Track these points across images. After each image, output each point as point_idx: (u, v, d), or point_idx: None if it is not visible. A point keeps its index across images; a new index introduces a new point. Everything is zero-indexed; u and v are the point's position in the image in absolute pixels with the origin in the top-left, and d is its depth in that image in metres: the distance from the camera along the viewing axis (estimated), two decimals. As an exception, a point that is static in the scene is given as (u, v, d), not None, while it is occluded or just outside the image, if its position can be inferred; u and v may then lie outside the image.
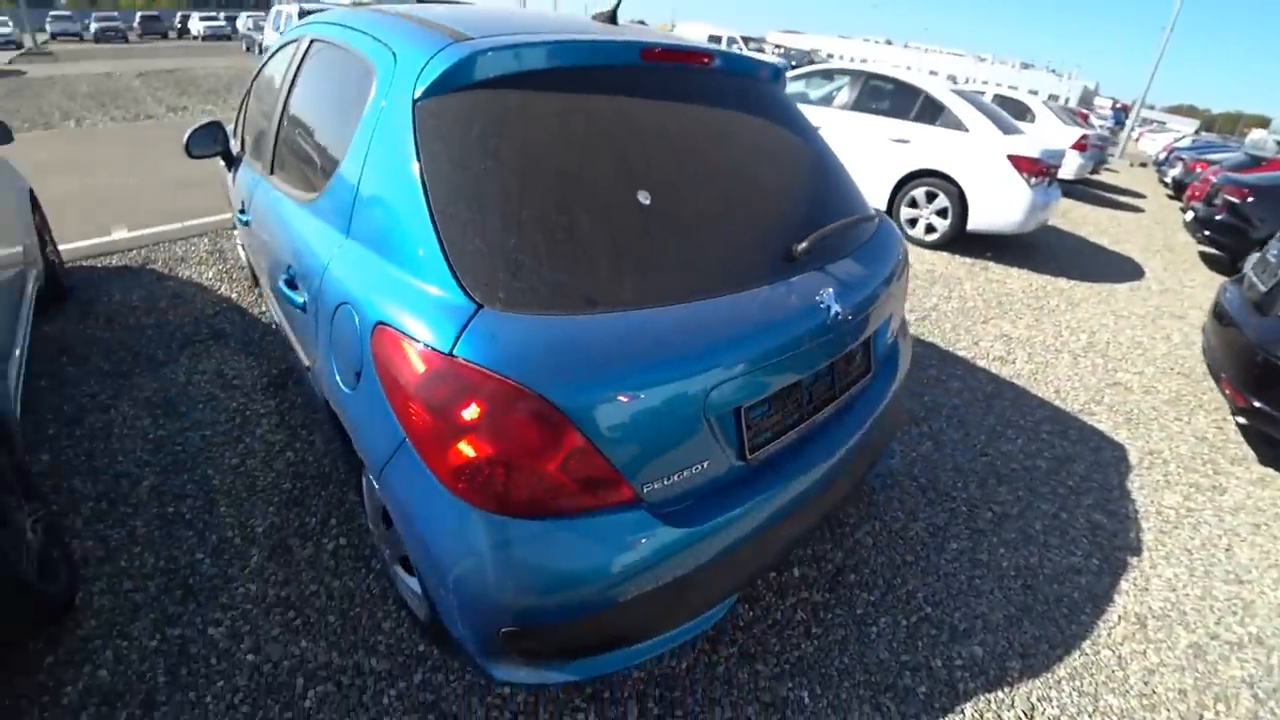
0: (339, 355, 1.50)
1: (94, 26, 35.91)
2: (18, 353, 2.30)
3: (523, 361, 1.16)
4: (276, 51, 2.61)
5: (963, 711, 1.78)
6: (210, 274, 4.10)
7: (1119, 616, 2.19)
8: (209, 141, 2.81)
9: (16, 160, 3.42)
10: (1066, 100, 50.97)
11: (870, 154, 6.08)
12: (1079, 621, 2.14)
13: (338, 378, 1.51)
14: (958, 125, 5.72)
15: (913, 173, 5.90)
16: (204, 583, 1.93)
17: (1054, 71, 72.02)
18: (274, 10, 14.60)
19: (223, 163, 3.07)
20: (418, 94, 1.41)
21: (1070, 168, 9.91)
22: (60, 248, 3.81)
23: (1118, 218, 9.61)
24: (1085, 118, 18.93)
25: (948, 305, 4.75)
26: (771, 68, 2.02)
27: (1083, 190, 11.52)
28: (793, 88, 6.87)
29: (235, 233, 4.17)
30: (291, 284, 1.81)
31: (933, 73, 57.65)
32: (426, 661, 1.76)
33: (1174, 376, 4.16)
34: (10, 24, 30.33)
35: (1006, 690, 1.86)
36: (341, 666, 1.72)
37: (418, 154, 1.35)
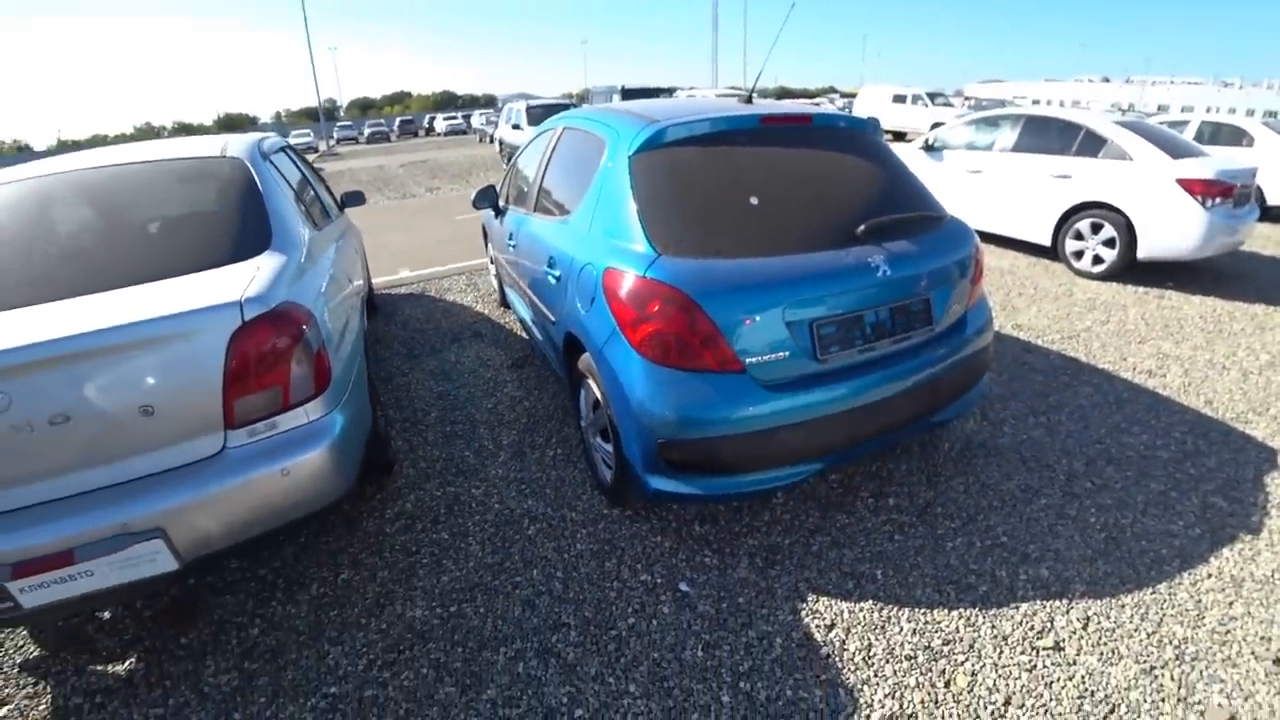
0: (580, 295, 2.56)
1: (367, 131, 45.94)
2: (364, 331, 3.66)
3: (681, 280, 2.14)
4: (535, 139, 3.98)
5: (1017, 608, 2.21)
6: (468, 298, 5.78)
7: (1210, 574, 2.37)
8: (486, 199, 4.28)
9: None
10: (1349, 119, 42.46)
11: (1032, 192, 6.28)
12: (1161, 572, 2.37)
13: (579, 306, 2.57)
14: (1121, 155, 5.75)
15: (1076, 206, 5.98)
16: (469, 467, 3.15)
17: (1328, 87, 60.08)
18: (506, 107, 17.78)
19: (491, 212, 4.52)
20: (631, 152, 2.53)
21: (1302, 191, 8.85)
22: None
23: (1372, 246, 8.36)
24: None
25: (1103, 328, 4.80)
26: (858, 120, 2.92)
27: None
28: (954, 137, 7.24)
29: (490, 264, 5.66)
30: (551, 266, 2.94)
31: (1162, 107, 51.32)
32: (607, 517, 2.72)
33: None
34: (311, 134, 40.05)
35: (1064, 602, 2.23)
36: (551, 516, 2.74)
37: (631, 184, 2.45)
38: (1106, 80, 78.06)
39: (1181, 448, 3.20)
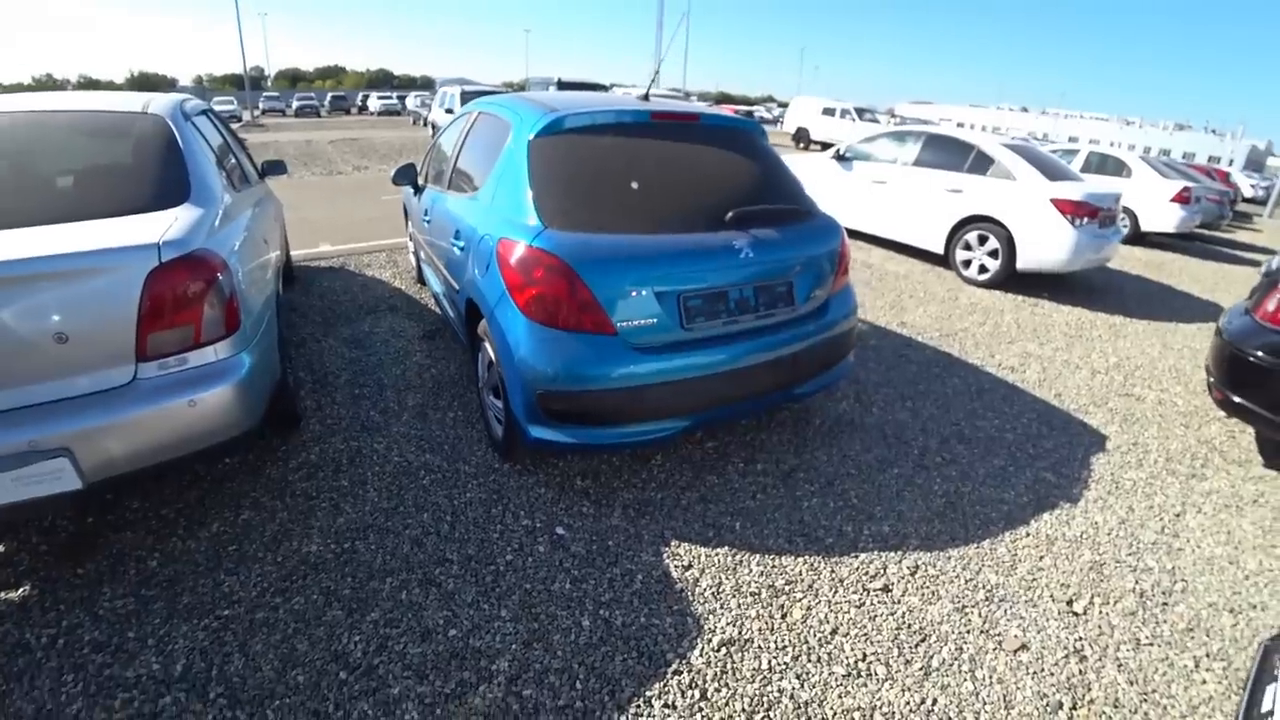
0: (478, 263, 2.75)
1: (295, 104, 43.98)
2: (276, 298, 3.77)
3: (562, 250, 2.36)
4: (454, 121, 4.13)
5: (856, 556, 2.50)
6: (387, 274, 5.80)
7: (1029, 534, 2.73)
8: (405, 176, 4.39)
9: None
10: (1230, 161, 46.95)
11: (928, 203, 6.82)
12: (987, 531, 2.72)
13: (476, 273, 2.77)
14: (1006, 174, 6.32)
15: (965, 218, 6.52)
16: (373, 424, 3.27)
17: (1214, 132, 66.25)
18: (440, 91, 17.53)
19: (411, 190, 4.63)
20: (531, 136, 2.70)
21: (1169, 220, 9.85)
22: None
23: (1227, 271, 9.36)
24: (1223, 175, 17.95)
25: (980, 329, 5.28)
26: (745, 122, 3.20)
27: (1197, 246, 11.19)
28: (863, 149, 7.72)
29: (409, 243, 5.69)
30: (457, 238, 3.12)
31: (1073, 139, 55.15)
32: (498, 470, 2.90)
33: (1203, 396, 4.33)
34: (234, 102, 37.87)
35: (898, 553, 2.53)
36: (446, 469, 2.90)
37: (528, 164, 2.63)
38: (1025, 110, 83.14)
39: (1026, 431, 3.61)
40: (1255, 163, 52.45)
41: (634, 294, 2.38)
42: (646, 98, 3.30)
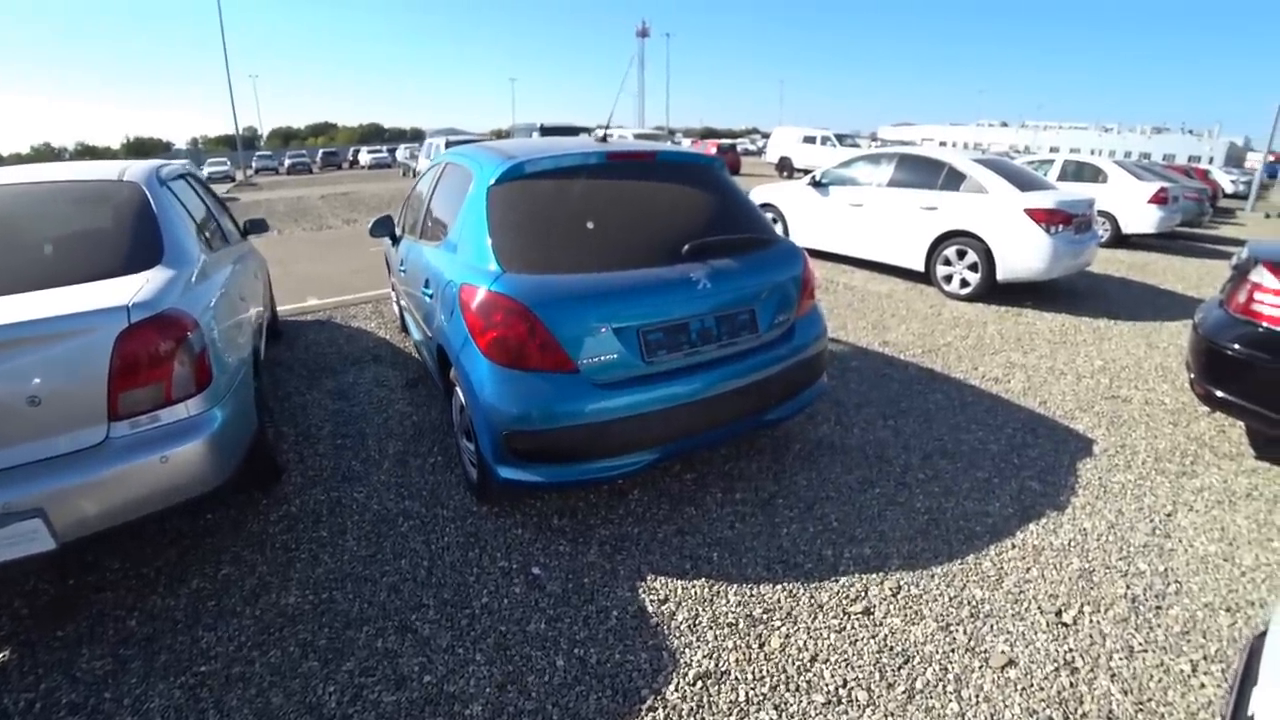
0: (444, 307, 2.80)
1: (287, 162, 44.99)
2: (256, 355, 3.81)
3: (520, 292, 2.40)
4: (426, 173, 4.24)
5: (837, 580, 2.46)
6: (372, 324, 5.89)
7: (1014, 545, 2.69)
8: (384, 227, 4.51)
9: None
10: (1210, 160, 47.50)
11: (906, 222, 6.91)
12: (972, 545, 2.68)
13: (444, 319, 2.80)
14: (978, 189, 6.41)
15: (943, 234, 6.59)
16: (354, 474, 3.27)
17: (1191, 132, 67.24)
18: (427, 142, 17.90)
19: (389, 241, 4.73)
20: (490, 184, 2.77)
21: (1148, 221, 9.94)
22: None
23: (1211, 267, 9.38)
24: (1202, 174, 18.16)
25: (963, 343, 5.28)
26: (702, 157, 3.26)
27: (1181, 245, 11.25)
28: (840, 173, 7.84)
29: (391, 294, 5.75)
30: (428, 287, 3.18)
31: (1053, 149, 55.95)
32: (476, 513, 2.89)
33: (1189, 393, 4.20)
34: (227, 163, 38.64)
35: (880, 574, 2.49)
36: (425, 514, 2.90)
37: (487, 211, 2.70)
38: (1005, 125, 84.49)
39: (1011, 442, 3.59)
40: (1235, 159, 53.09)
41: (593, 331, 2.41)
42: (605, 139, 3.35)
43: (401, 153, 37.46)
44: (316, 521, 2.83)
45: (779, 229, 8.37)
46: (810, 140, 23.79)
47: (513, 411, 2.37)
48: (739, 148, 29.39)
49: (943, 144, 56.99)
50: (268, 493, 3.05)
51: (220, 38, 37.89)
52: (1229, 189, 23.70)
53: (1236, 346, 3.32)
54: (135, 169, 3.08)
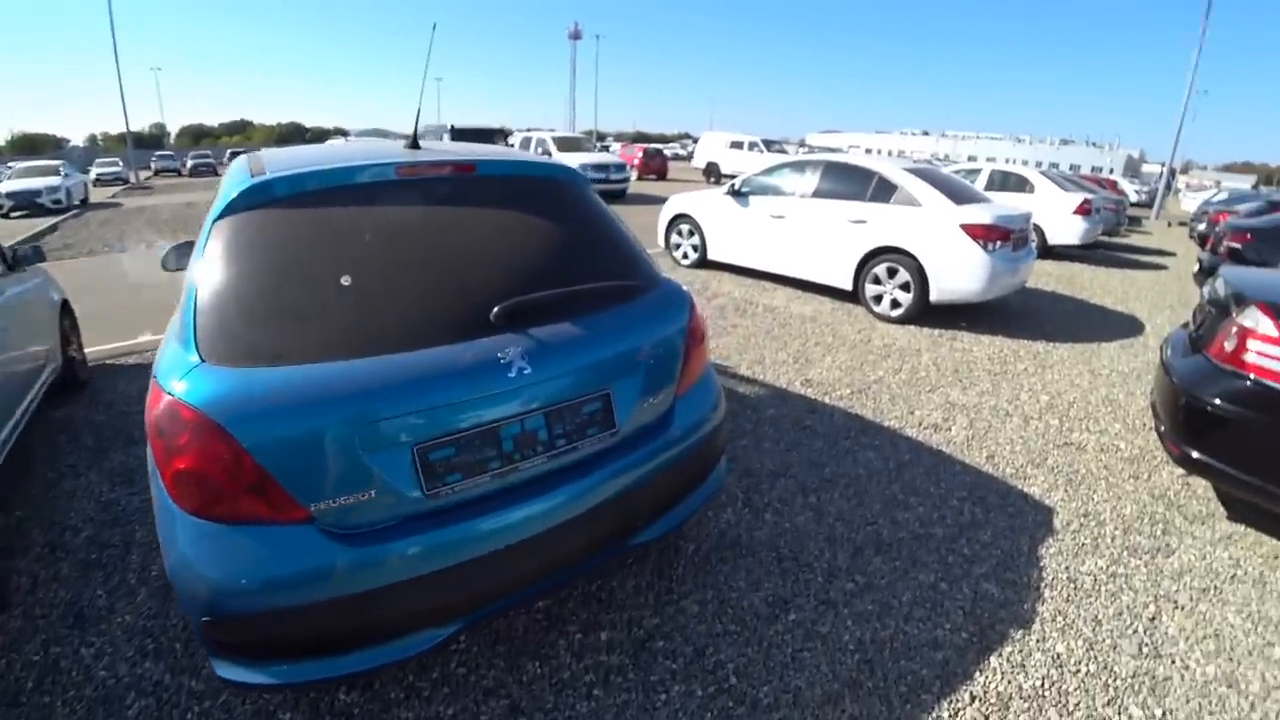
0: None
1: (189, 163, 41.32)
2: (10, 425, 2.94)
3: (212, 399, 1.45)
4: None
5: (733, 796, 1.65)
6: None
7: (972, 696, 1.98)
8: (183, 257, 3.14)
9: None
10: (1110, 170, 50.36)
11: (832, 237, 6.22)
12: (915, 701, 1.95)
13: None
14: (910, 201, 5.79)
15: (872, 251, 5.94)
16: (93, 613, 2.27)
17: (1094, 144, 72.19)
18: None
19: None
20: (215, 216, 1.77)
21: (1073, 232, 9.74)
22: (89, 349, 4.56)
23: (1133, 278, 9.26)
24: (1112, 185, 18.70)
25: (895, 378, 4.61)
26: (549, 167, 2.26)
27: (1101, 255, 11.21)
28: (761, 181, 7.09)
29: None
30: None
31: (971, 158, 58.32)
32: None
33: (1144, 434, 3.87)
34: (120, 163, 34.86)
35: (796, 773, 1.71)
36: (167, 685, 1.97)
37: (201, 260, 1.70)
38: (926, 133, 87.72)
39: (958, 520, 2.89)
40: (1132, 170, 56.64)
41: (334, 455, 1.51)
42: (415, 145, 2.22)
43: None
44: (12, 705, 1.87)
45: (695, 241, 7.64)
46: (738, 146, 23.41)
47: (211, 587, 1.47)
48: (667, 152, 28.68)
49: (869, 151, 58.39)
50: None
51: (109, 21, 34.25)
52: (1133, 198, 24.80)
53: (1220, 401, 2.71)
54: None
